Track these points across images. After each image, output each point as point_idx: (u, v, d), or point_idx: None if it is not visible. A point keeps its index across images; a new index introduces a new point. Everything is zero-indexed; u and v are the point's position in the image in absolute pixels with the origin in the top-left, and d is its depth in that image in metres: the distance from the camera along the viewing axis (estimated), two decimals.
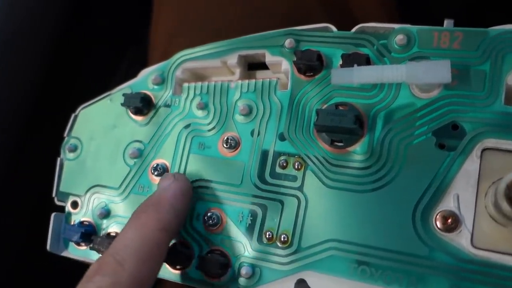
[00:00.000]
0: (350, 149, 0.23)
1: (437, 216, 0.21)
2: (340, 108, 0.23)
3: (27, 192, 0.36)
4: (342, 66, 0.23)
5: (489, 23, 0.23)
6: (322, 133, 0.23)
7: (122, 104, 0.27)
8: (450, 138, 0.21)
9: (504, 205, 0.18)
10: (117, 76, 0.41)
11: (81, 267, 0.30)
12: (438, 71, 0.21)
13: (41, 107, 0.39)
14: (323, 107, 0.23)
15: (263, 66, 0.27)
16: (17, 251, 0.35)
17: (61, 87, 0.41)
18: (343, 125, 0.22)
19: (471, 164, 0.21)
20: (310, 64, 0.24)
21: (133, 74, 0.29)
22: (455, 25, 0.23)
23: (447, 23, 0.23)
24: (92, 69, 0.46)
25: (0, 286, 0.33)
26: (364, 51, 0.24)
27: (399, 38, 0.23)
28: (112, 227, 0.27)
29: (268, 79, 0.25)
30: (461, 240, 0.20)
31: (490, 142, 0.21)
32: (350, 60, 0.23)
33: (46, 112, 0.38)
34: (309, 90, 0.24)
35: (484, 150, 0.21)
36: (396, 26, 0.23)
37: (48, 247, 0.27)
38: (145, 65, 0.30)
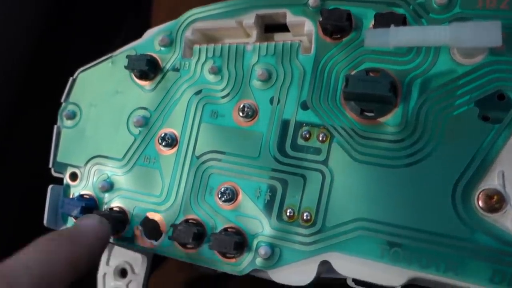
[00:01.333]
0: (381, 120, 0.21)
1: (480, 195, 0.19)
2: (371, 74, 0.21)
3: (21, 163, 0.34)
4: (374, 27, 0.21)
5: None
6: (351, 102, 0.21)
7: (126, 67, 0.24)
8: (495, 109, 0.19)
9: None
10: (118, 37, 0.38)
11: None
12: (487, 34, 0.18)
13: (35, 69, 0.36)
14: (352, 73, 0.21)
15: (281, 28, 0.24)
16: (10, 226, 0.33)
17: (57, 47, 0.38)
18: (376, 93, 0.19)
19: None
20: (339, 25, 0.21)
21: (135, 35, 0.26)
22: None
23: None
24: (90, 27, 0.43)
25: None
26: (398, 11, 0.21)
27: None
28: (115, 201, 0.24)
29: (290, 42, 0.23)
30: (506, 221, 0.18)
31: None
32: (384, 21, 0.20)
33: (41, 75, 0.36)
34: (336, 54, 0.22)
35: None
36: None
37: (45, 222, 0.25)
38: (148, 25, 0.27)
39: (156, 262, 0.31)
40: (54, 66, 0.36)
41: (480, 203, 0.19)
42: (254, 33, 0.24)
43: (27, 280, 0.17)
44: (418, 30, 0.19)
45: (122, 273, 0.29)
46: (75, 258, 0.19)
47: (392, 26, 0.19)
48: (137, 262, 0.28)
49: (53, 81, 0.27)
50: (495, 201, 0.19)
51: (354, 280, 0.21)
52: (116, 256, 0.29)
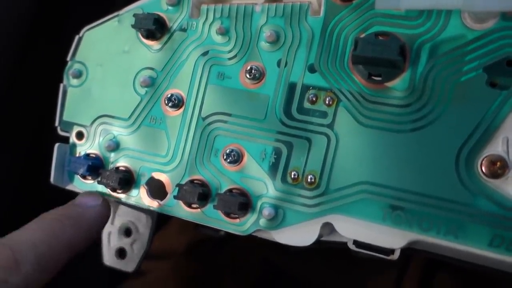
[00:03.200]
0: (389, 84, 0.21)
1: (483, 161, 0.19)
2: (380, 38, 0.21)
3: (27, 121, 0.34)
4: None
5: None
6: (359, 66, 0.21)
7: (133, 26, 0.24)
8: (503, 75, 0.19)
9: None
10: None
11: None
12: None
13: (40, 26, 0.36)
14: (361, 36, 0.21)
15: None
16: (16, 184, 0.34)
17: (62, 4, 0.37)
18: (385, 56, 0.19)
19: None
20: None
21: None
22: None
23: None
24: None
25: None
26: None
27: None
28: (121, 160, 0.25)
29: (299, 3, 0.22)
30: (508, 187, 0.19)
31: None
32: None
33: (46, 32, 0.35)
34: (345, 17, 0.21)
35: None
36: None
37: (52, 179, 0.25)
38: None
39: (159, 223, 0.31)
40: (59, 23, 0.36)
41: (483, 169, 0.19)
42: None
43: (33, 258, 0.18)
44: None
45: (127, 232, 0.29)
46: (75, 242, 0.21)
47: None
48: (142, 222, 0.29)
49: (58, 38, 0.27)
50: (498, 167, 0.19)
51: (355, 243, 0.22)
52: (121, 216, 0.29)
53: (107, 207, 0.23)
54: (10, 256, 0.18)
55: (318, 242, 0.24)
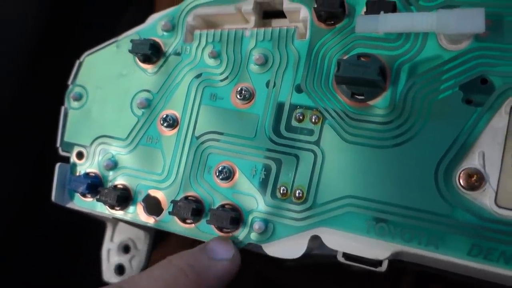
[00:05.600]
0: (371, 102, 0.22)
1: (461, 174, 0.20)
2: (362, 59, 0.22)
3: (30, 142, 0.35)
4: (366, 13, 0.22)
5: None
6: (342, 86, 0.22)
7: (130, 51, 0.26)
8: (478, 93, 0.20)
9: None
10: (124, 22, 0.39)
11: (84, 221, 0.29)
12: (471, 20, 0.19)
13: (43, 52, 0.37)
14: (344, 58, 0.22)
15: (278, 15, 0.25)
16: (19, 202, 0.35)
17: (64, 32, 0.39)
18: (366, 77, 0.20)
19: (499, 121, 0.20)
20: (332, 11, 0.22)
21: (140, 20, 0.27)
22: None
23: None
24: (97, 13, 0.44)
25: (2, 238, 0.33)
26: None
27: None
28: (119, 179, 0.26)
29: (286, 27, 0.24)
30: (485, 198, 0.20)
31: None
32: (375, 7, 0.21)
33: (49, 58, 0.37)
34: (330, 40, 0.23)
35: None
36: None
37: (53, 197, 0.26)
38: (152, 11, 0.28)
39: (157, 239, 0.32)
40: (61, 50, 0.37)
41: (461, 182, 0.20)
42: (252, 19, 0.25)
43: None
44: (406, 17, 0.20)
45: (125, 249, 0.30)
46: None
47: (382, 13, 0.20)
48: (140, 239, 0.30)
49: (61, 64, 0.28)
50: (475, 180, 0.20)
51: (344, 256, 0.22)
52: (120, 233, 0.30)
53: (236, 262, 0.22)
54: None
55: (309, 255, 0.25)
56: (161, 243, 0.38)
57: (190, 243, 0.26)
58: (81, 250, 0.36)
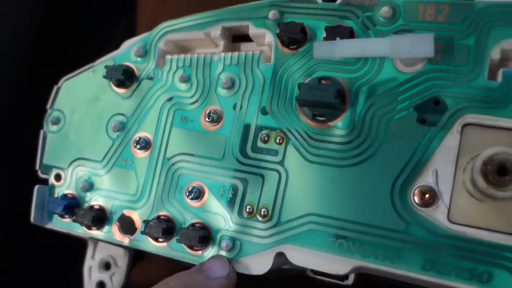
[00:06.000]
0: (331, 123, 0.23)
1: (415, 191, 0.21)
2: (323, 82, 0.23)
3: (10, 165, 0.36)
4: (325, 39, 0.23)
5: None
6: (304, 108, 0.23)
7: (104, 77, 0.27)
8: (431, 113, 0.21)
9: (480, 181, 0.18)
10: (112, 46, 0.40)
11: (64, 240, 0.30)
12: (421, 45, 0.20)
13: (30, 78, 0.38)
14: (306, 81, 0.23)
15: (248, 38, 0.26)
16: (6, 223, 0.36)
17: (53, 57, 0.40)
18: (324, 100, 0.21)
19: (451, 140, 0.21)
20: (293, 37, 0.23)
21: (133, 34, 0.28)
22: None
23: None
24: (85, 38, 0.45)
25: None
26: (349, 23, 0.23)
27: (384, 10, 0.22)
28: (96, 200, 0.27)
29: (251, 52, 0.25)
30: (438, 215, 0.20)
31: (471, 118, 0.21)
32: (333, 33, 0.22)
33: (35, 83, 0.38)
34: (293, 64, 0.24)
35: (464, 125, 0.21)
36: None
37: (32, 219, 0.27)
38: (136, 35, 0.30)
39: (138, 255, 0.33)
40: (49, 74, 0.39)
41: (416, 199, 0.21)
42: (221, 44, 0.26)
43: None
44: (361, 43, 0.21)
45: (106, 266, 0.31)
46: None
47: (338, 38, 0.21)
48: (120, 256, 0.31)
49: (47, 88, 0.29)
50: (429, 197, 0.21)
51: (312, 270, 0.23)
52: (101, 250, 0.31)
53: (232, 279, 0.23)
54: None
55: (282, 270, 0.26)
56: (143, 258, 0.38)
57: (172, 260, 0.26)
58: (63, 267, 0.36)
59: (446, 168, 0.21)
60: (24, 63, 0.37)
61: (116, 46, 0.29)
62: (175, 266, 0.39)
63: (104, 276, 0.31)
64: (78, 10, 0.45)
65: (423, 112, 0.21)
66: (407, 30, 0.22)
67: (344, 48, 0.21)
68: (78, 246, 0.32)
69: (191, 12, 0.27)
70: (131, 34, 0.40)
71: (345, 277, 0.24)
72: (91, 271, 0.31)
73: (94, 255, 0.31)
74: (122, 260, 0.31)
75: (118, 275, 0.31)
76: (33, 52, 0.38)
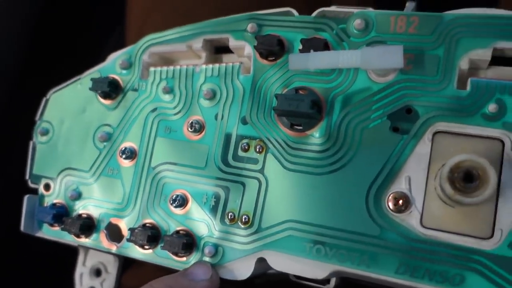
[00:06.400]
0: (309, 132, 0.23)
1: (389, 197, 0.22)
2: (300, 92, 0.24)
3: (0, 175, 0.37)
4: (301, 51, 0.24)
5: (458, 5, 0.23)
6: (282, 117, 0.24)
7: (91, 89, 0.27)
8: (404, 121, 0.22)
9: (448, 188, 0.19)
10: (102, 58, 0.41)
11: (55, 248, 0.31)
12: (391, 57, 0.21)
13: (19, 90, 0.39)
14: (284, 92, 0.24)
15: (230, 49, 0.27)
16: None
17: (44, 69, 0.41)
18: (300, 110, 0.22)
19: (423, 147, 0.21)
20: (271, 49, 0.24)
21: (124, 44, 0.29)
22: (422, 7, 0.23)
23: (409, 5, 0.24)
24: (78, 51, 0.46)
25: None
26: (324, 35, 0.24)
27: (357, 23, 0.23)
28: (84, 208, 0.27)
29: (231, 64, 0.25)
30: (411, 220, 0.21)
31: (442, 126, 0.21)
32: (308, 45, 0.23)
33: (25, 95, 0.39)
34: (271, 75, 0.24)
35: (435, 133, 0.21)
36: (355, 10, 0.24)
37: (22, 227, 0.28)
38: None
39: (129, 261, 0.34)
40: (41, 85, 0.39)
41: (390, 205, 0.22)
42: (203, 55, 0.27)
43: None
44: (333, 55, 0.22)
45: (97, 272, 0.32)
46: None
47: (312, 51, 0.22)
48: (110, 263, 0.31)
49: (30, 100, 0.30)
50: (402, 203, 0.21)
51: (295, 275, 0.24)
52: (92, 257, 0.32)
53: (215, 282, 0.24)
54: None
55: (269, 274, 0.26)
56: (134, 264, 0.39)
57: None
58: (54, 275, 0.37)
59: (418, 175, 0.21)
60: (13, 75, 0.38)
61: (105, 58, 0.29)
62: (166, 272, 0.40)
63: (95, 283, 0.31)
64: (70, 22, 0.46)
65: (396, 121, 0.22)
66: (379, 41, 0.23)
67: (317, 60, 0.22)
68: (69, 254, 0.33)
69: (177, 22, 0.28)
70: (122, 46, 0.41)
71: (327, 281, 0.24)
72: (82, 278, 0.32)
73: (85, 262, 0.32)
74: (112, 267, 0.31)
75: (108, 281, 0.31)
76: (23, 65, 0.38)
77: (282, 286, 0.37)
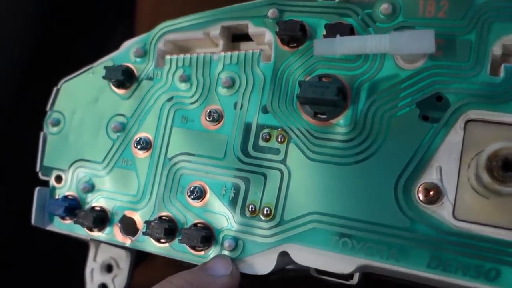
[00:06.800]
0: (333, 121, 0.22)
1: (419, 188, 0.21)
2: (324, 79, 0.23)
3: (11, 167, 0.36)
4: (325, 36, 0.23)
5: None
6: (305, 106, 0.23)
7: (104, 77, 0.26)
8: (434, 109, 0.21)
9: (485, 177, 0.18)
10: (111, 47, 0.40)
11: (66, 243, 0.30)
12: (422, 41, 0.20)
13: (30, 81, 0.38)
14: (306, 79, 0.23)
15: (247, 37, 0.26)
16: (2, 226, 0.35)
17: (52, 59, 0.40)
18: (325, 97, 0.21)
19: (455, 136, 0.21)
20: (293, 35, 0.23)
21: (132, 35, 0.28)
22: None
23: None
24: (85, 40, 0.45)
25: None
26: (349, 21, 0.23)
27: (384, 7, 0.22)
28: (97, 201, 0.26)
29: (251, 51, 0.25)
30: (443, 212, 0.20)
31: (474, 114, 0.20)
32: (333, 30, 0.22)
33: (36, 86, 0.38)
34: (293, 62, 0.24)
35: (468, 121, 0.21)
36: None
37: (32, 221, 0.27)
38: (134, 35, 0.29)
39: (141, 257, 0.33)
40: (48, 76, 0.38)
41: (420, 196, 0.21)
42: (220, 43, 0.26)
43: None
44: (361, 39, 0.21)
45: (108, 268, 0.31)
46: None
47: (338, 36, 0.21)
48: (122, 258, 0.30)
49: (47, 91, 0.29)
50: (433, 194, 0.20)
51: (316, 270, 0.23)
52: (103, 253, 0.31)
53: (235, 277, 0.23)
54: None
55: (285, 270, 0.26)
56: (145, 260, 0.38)
57: (176, 260, 0.26)
58: (64, 270, 0.36)
59: (450, 165, 0.20)
60: (24, 65, 0.37)
61: (116, 47, 0.28)
62: (178, 267, 0.39)
63: (106, 279, 0.31)
64: (78, 12, 0.45)
65: (426, 109, 0.21)
66: (407, 26, 0.22)
67: (345, 45, 0.21)
68: (79, 249, 0.32)
69: (191, 12, 0.27)
70: (131, 35, 0.40)
71: (350, 276, 0.23)
72: (93, 274, 0.31)
73: (96, 257, 0.31)
74: (124, 262, 0.30)
75: (120, 277, 0.30)
76: (33, 54, 0.37)
77: (298, 283, 0.36)
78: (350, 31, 0.22)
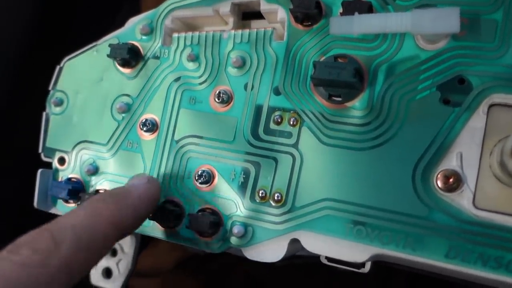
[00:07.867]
0: (348, 104, 0.21)
1: (439, 175, 0.20)
2: (339, 60, 0.22)
3: (12, 148, 0.35)
4: (342, 14, 0.22)
5: None
6: (319, 87, 0.22)
7: (109, 56, 0.25)
8: (455, 93, 0.20)
9: (511, 164, 0.17)
10: (116, 24, 0.39)
11: None
12: (446, 20, 0.19)
13: (31, 59, 0.37)
14: (321, 59, 0.22)
15: (258, 15, 0.25)
16: (2, 209, 0.35)
17: (55, 37, 0.39)
18: (341, 79, 0.20)
19: (477, 121, 0.20)
20: (308, 13, 0.22)
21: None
22: None
23: None
24: (89, 17, 0.44)
25: None
26: None
27: None
28: (101, 184, 0.26)
29: (263, 29, 0.23)
30: (463, 200, 0.19)
31: (498, 98, 0.19)
32: (351, 8, 0.21)
33: (38, 64, 0.37)
34: (307, 41, 0.22)
35: (491, 106, 0.19)
36: None
37: (35, 204, 0.26)
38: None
39: (145, 241, 0.32)
40: (51, 55, 0.37)
41: (439, 183, 0.20)
42: (230, 21, 0.25)
43: (72, 236, 0.18)
44: (381, 18, 0.20)
45: (113, 252, 0.30)
46: (118, 218, 0.20)
47: (356, 13, 0.20)
48: (126, 242, 0.30)
49: (49, 70, 0.28)
50: (453, 181, 0.19)
51: (327, 258, 0.22)
52: None
53: (154, 184, 0.22)
54: (49, 238, 0.17)
55: (293, 256, 0.25)
56: (149, 244, 0.38)
57: (179, 245, 0.26)
58: None
59: (471, 151, 0.19)
60: (25, 43, 0.36)
61: (121, 25, 0.27)
62: (183, 252, 0.38)
63: (111, 263, 0.30)
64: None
65: (447, 92, 0.20)
66: (428, 4, 0.21)
67: (363, 23, 0.20)
68: None
69: None
70: (137, 11, 0.39)
71: (362, 265, 0.23)
72: None
73: None
74: (128, 247, 0.30)
75: (124, 261, 0.30)
76: (35, 31, 0.36)
77: (307, 269, 0.35)
78: (368, 9, 0.21)
